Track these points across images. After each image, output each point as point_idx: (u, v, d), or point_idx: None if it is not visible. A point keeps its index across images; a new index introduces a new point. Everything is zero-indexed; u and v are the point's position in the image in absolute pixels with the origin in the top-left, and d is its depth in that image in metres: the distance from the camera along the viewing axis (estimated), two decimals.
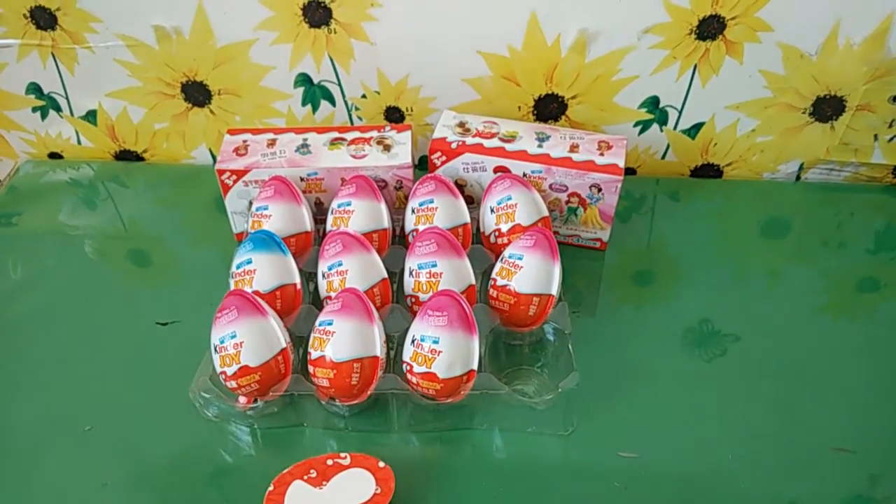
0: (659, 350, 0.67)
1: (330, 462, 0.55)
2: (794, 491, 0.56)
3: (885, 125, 0.79)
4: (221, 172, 0.71)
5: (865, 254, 0.77)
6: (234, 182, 0.71)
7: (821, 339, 0.68)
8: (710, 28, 0.73)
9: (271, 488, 0.53)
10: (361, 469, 0.54)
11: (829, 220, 0.81)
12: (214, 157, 0.89)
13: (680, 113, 0.81)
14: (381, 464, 0.55)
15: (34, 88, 0.85)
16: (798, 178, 0.86)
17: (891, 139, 0.80)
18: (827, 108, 0.79)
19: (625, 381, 0.64)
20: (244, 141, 0.73)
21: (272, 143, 0.73)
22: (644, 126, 0.82)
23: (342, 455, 0.55)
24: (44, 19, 0.78)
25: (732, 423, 0.61)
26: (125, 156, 0.90)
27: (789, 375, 0.64)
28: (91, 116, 0.86)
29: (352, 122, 0.85)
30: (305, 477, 0.54)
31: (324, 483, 0.54)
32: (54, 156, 0.92)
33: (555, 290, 0.62)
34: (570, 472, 0.57)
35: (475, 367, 0.57)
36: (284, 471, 0.54)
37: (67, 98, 0.85)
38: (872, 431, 0.60)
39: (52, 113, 0.87)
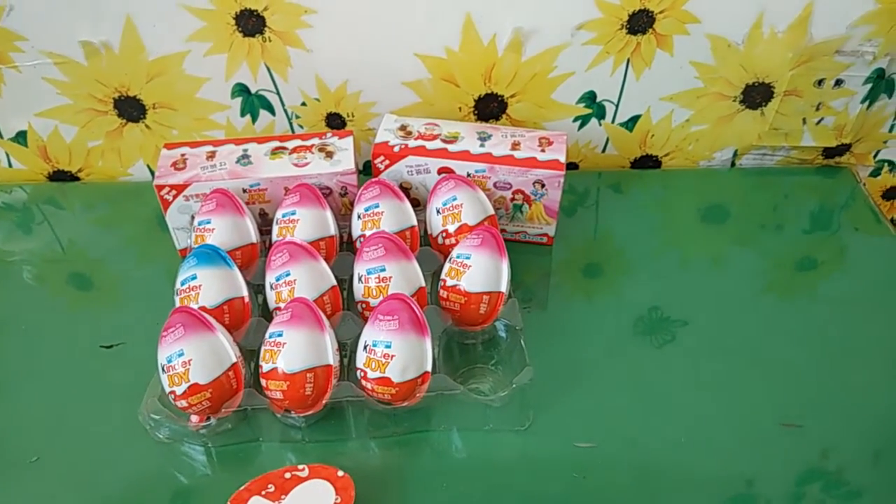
0: (610, 340, 0.68)
1: (288, 475, 0.54)
2: (749, 469, 0.57)
3: (812, 109, 0.82)
4: (160, 188, 0.69)
5: (802, 234, 0.80)
6: (175, 197, 0.70)
7: (765, 319, 0.70)
8: (640, 22, 0.75)
9: None
10: (320, 480, 0.54)
11: (766, 204, 0.84)
12: (153, 173, 0.87)
13: (617, 107, 0.82)
14: (341, 473, 0.54)
15: None
16: (733, 164, 0.89)
17: (818, 122, 0.83)
18: (756, 96, 0.81)
19: (578, 372, 0.64)
20: (182, 154, 0.71)
21: (212, 155, 0.71)
22: (583, 121, 0.84)
23: (300, 467, 0.55)
24: None
25: (685, 406, 0.62)
26: (59, 176, 0.88)
27: (737, 356, 0.66)
28: (21, 137, 0.83)
29: (293, 131, 0.84)
30: (263, 492, 0.53)
31: (282, 497, 0.53)
32: None
33: (504, 287, 0.63)
34: (529, 466, 0.58)
35: (429, 368, 0.57)
36: (241, 487, 0.53)
37: None
38: (819, 405, 0.62)
39: None
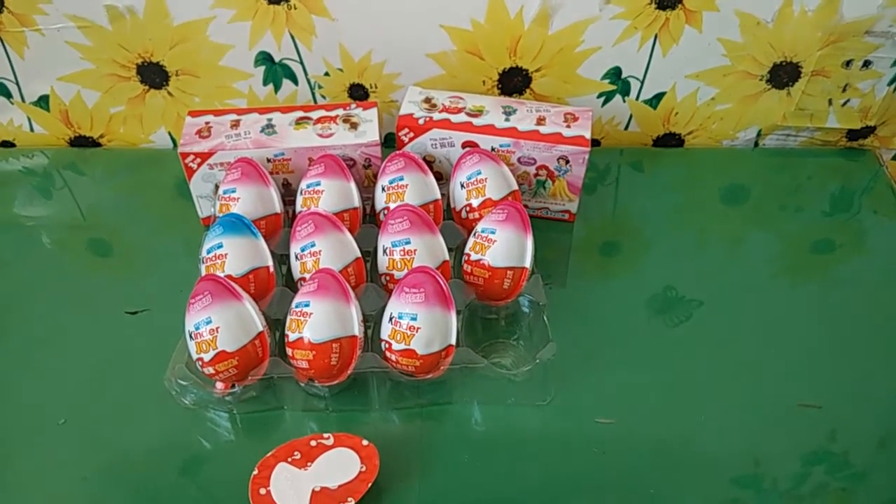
0: (628, 318, 0.68)
1: (313, 443, 0.55)
2: (758, 448, 0.58)
3: (838, 90, 0.81)
4: (185, 156, 0.69)
5: (822, 216, 0.80)
6: (199, 165, 0.70)
7: (781, 301, 0.70)
8: None
9: (255, 472, 0.53)
10: (345, 448, 0.55)
11: (787, 185, 0.84)
12: (174, 141, 0.87)
13: (642, 83, 0.82)
14: (365, 442, 0.55)
15: None
16: (756, 144, 0.88)
17: (844, 103, 0.83)
18: (783, 75, 0.81)
19: (597, 349, 0.65)
20: (206, 123, 0.71)
21: (236, 123, 0.71)
22: (607, 97, 0.83)
23: (325, 435, 0.55)
24: None
25: (702, 385, 0.62)
26: (81, 142, 0.88)
27: (752, 337, 0.66)
28: (43, 102, 0.83)
29: (315, 101, 0.84)
30: (289, 459, 0.54)
31: (308, 464, 0.54)
32: (6, 144, 0.88)
33: (528, 262, 0.63)
34: (549, 441, 0.58)
35: (453, 342, 0.58)
36: (268, 454, 0.54)
37: (18, 84, 0.82)
38: (832, 387, 0.62)
39: (2, 100, 0.83)
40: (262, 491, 0.52)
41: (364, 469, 0.53)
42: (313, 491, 0.52)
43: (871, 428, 0.59)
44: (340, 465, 0.54)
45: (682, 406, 0.61)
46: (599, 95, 0.83)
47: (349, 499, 0.51)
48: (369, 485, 0.52)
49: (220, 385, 0.58)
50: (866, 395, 0.62)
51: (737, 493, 0.55)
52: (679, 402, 0.61)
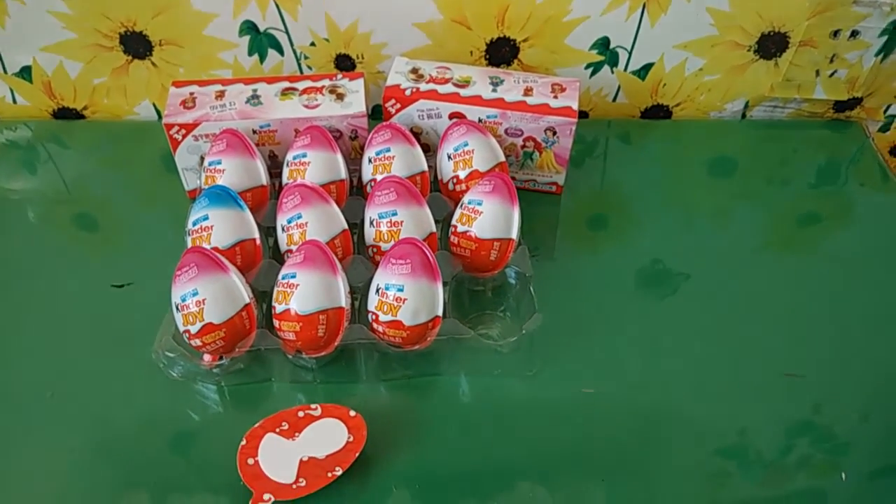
0: (614, 290, 0.68)
1: (301, 414, 0.55)
2: (743, 419, 0.59)
3: (826, 60, 0.81)
4: (170, 127, 0.68)
5: (807, 189, 0.80)
6: (184, 137, 0.69)
7: (767, 273, 0.70)
8: None
9: (244, 442, 0.53)
10: (333, 419, 0.55)
11: (774, 157, 0.84)
12: (159, 113, 0.86)
13: (630, 54, 0.81)
14: (353, 413, 0.55)
15: None
16: (744, 116, 0.88)
17: (831, 74, 0.83)
18: (771, 45, 0.80)
19: (583, 321, 0.65)
20: (191, 93, 0.70)
21: (220, 94, 0.70)
22: (595, 68, 0.83)
23: (313, 406, 0.56)
24: None
25: (687, 356, 0.63)
26: (64, 114, 0.86)
27: (738, 309, 0.67)
28: (25, 73, 0.82)
29: (301, 72, 0.83)
30: (277, 429, 0.54)
31: (296, 434, 0.54)
32: None
33: (515, 234, 0.63)
34: (535, 411, 0.59)
35: (440, 313, 0.58)
36: (256, 425, 0.55)
37: None
38: (816, 359, 0.63)
39: None
40: (251, 461, 0.52)
41: (352, 439, 0.54)
42: (301, 460, 0.52)
43: (856, 399, 0.60)
44: (328, 435, 0.54)
45: (668, 377, 0.61)
46: (587, 66, 0.82)
47: (337, 468, 0.52)
48: (357, 454, 0.53)
49: (207, 357, 0.58)
50: (851, 366, 0.63)
51: (721, 463, 0.56)
52: (664, 373, 0.62)
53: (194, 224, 0.61)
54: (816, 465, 0.56)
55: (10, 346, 0.63)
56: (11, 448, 0.56)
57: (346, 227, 0.63)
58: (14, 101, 0.85)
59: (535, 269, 0.64)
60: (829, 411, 0.60)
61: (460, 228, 0.63)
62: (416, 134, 0.73)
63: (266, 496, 0.50)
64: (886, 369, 0.62)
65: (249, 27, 0.78)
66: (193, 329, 0.55)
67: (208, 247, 0.59)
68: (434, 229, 0.63)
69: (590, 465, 0.56)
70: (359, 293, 0.62)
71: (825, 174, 0.82)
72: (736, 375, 0.62)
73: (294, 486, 0.51)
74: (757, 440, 0.57)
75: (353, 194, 0.70)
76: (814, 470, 0.56)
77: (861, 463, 0.56)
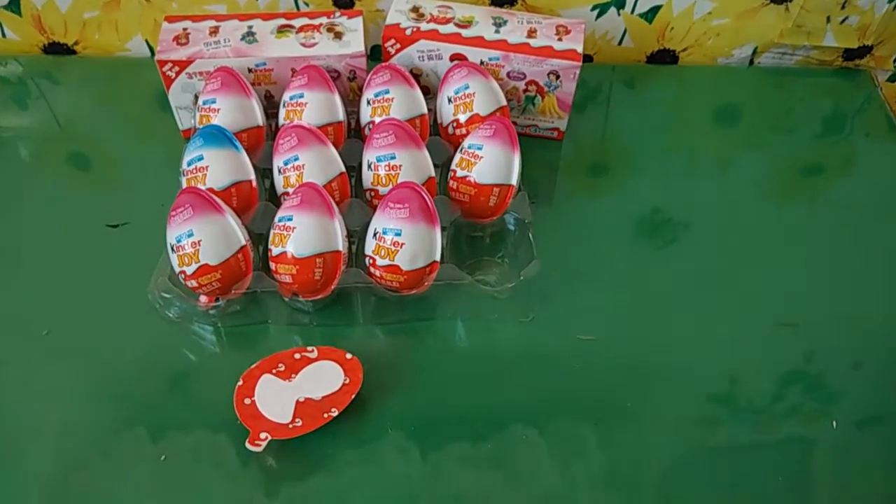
0: (614, 238, 0.68)
1: (297, 356, 0.56)
2: (735, 367, 0.59)
3: (837, 6, 0.79)
4: (162, 63, 0.67)
5: (812, 138, 0.79)
6: (177, 74, 0.67)
7: (767, 223, 0.70)
8: None
9: (240, 383, 0.54)
10: (329, 361, 0.55)
11: (780, 105, 0.82)
12: (152, 50, 0.84)
13: None
14: (349, 355, 0.55)
15: None
16: (751, 62, 0.86)
17: (843, 21, 0.81)
18: None
19: (581, 268, 0.65)
20: (184, 29, 0.68)
21: (215, 30, 0.68)
22: (601, 10, 0.80)
23: (309, 348, 0.56)
24: None
25: (683, 304, 0.63)
26: (55, 49, 0.84)
27: (737, 258, 0.67)
28: (14, 5, 0.79)
29: (298, 8, 0.80)
30: (274, 371, 0.55)
31: (293, 376, 0.54)
32: None
33: (515, 180, 0.62)
34: (531, 357, 0.59)
35: (438, 258, 0.58)
36: (252, 366, 0.55)
37: None
38: (813, 309, 0.63)
39: None
40: (247, 401, 0.53)
41: (348, 381, 0.54)
42: (297, 401, 0.53)
43: (848, 350, 0.60)
44: (324, 377, 0.54)
45: (663, 324, 0.62)
46: (593, 8, 0.80)
47: (333, 409, 0.52)
48: (353, 396, 0.53)
49: (203, 298, 0.58)
50: (846, 316, 0.63)
51: (711, 409, 0.56)
52: (660, 320, 0.62)
53: (189, 164, 0.60)
54: (807, 412, 0.57)
55: (5, 284, 0.62)
56: (9, 385, 0.56)
57: (343, 169, 0.62)
58: (4, 36, 0.83)
59: (534, 216, 0.63)
60: (822, 360, 0.60)
61: (459, 173, 0.62)
62: (416, 75, 0.71)
63: (263, 435, 0.51)
64: (881, 319, 0.63)
65: None
66: (189, 270, 0.55)
67: (203, 188, 0.58)
68: (433, 174, 0.62)
69: (582, 410, 0.56)
70: (356, 237, 0.61)
71: (831, 123, 0.80)
72: (731, 324, 0.62)
73: (290, 426, 0.51)
74: (748, 388, 0.58)
75: (350, 136, 0.69)
76: (804, 418, 0.56)
77: (851, 411, 0.57)
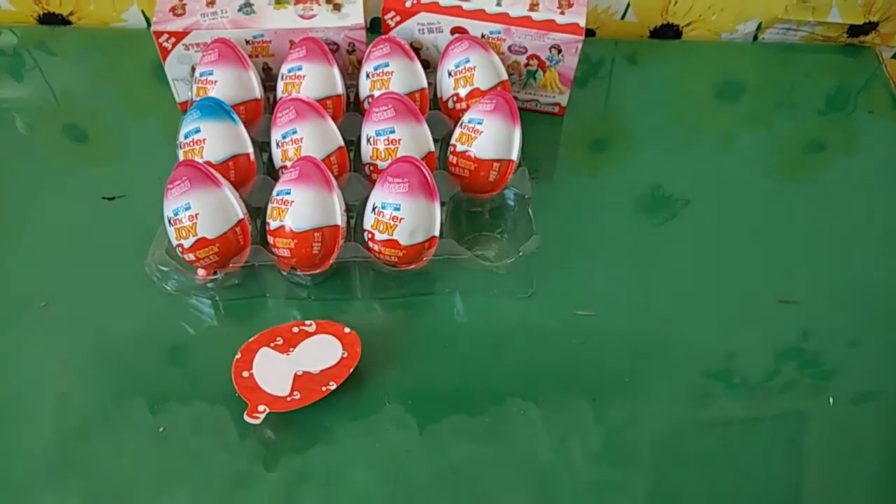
0: (613, 215, 0.68)
1: (296, 329, 0.56)
2: (733, 344, 0.59)
3: None
4: (159, 34, 0.66)
5: (815, 115, 0.78)
6: (174, 45, 0.66)
7: (767, 200, 0.70)
8: None
9: (238, 356, 0.54)
10: (327, 335, 0.55)
11: (783, 82, 0.81)
12: (148, 20, 0.83)
13: None
14: (347, 330, 0.55)
15: None
16: (755, 38, 0.85)
17: None
18: None
19: (581, 244, 0.65)
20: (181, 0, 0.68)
21: (212, 1, 0.67)
22: None
23: (307, 322, 0.56)
24: None
25: (682, 281, 0.63)
26: (50, 19, 0.83)
27: (736, 235, 0.66)
28: None
29: None
30: (272, 344, 0.55)
31: (290, 349, 0.54)
32: None
33: (515, 155, 0.61)
34: (530, 332, 0.59)
35: (437, 233, 0.57)
36: (250, 339, 0.55)
37: None
38: (812, 286, 0.63)
39: None
40: (245, 374, 0.53)
41: (346, 355, 0.54)
42: (295, 374, 0.53)
43: (845, 327, 0.61)
44: (323, 351, 0.54)
45: (661, 300, 0.62)
46: None
47: (331, 382, 0.52)
48: (351, 370, 0.53)
49: (201, 272, 0.58)
50: (844, 294, 0.63)
51: (709, 385, 0.57)
52: (658, 296, 0.62)
53: (186, 137, 0.60)
54: (804, 389, 0.57)
55: (1, 257, 0.62)
56: (6, 356, 0.56)
57: (342, 143, 0.61)
58: None
59: (534, 191, 0.63)
60: (820, 337, 0.60)
61: (459, 148, 0.62)
62: (416, 49, 0.70)
63: (261, 407, 0.51)
64: (880, 297, 0.63)
65: None
66: (187, 243, 0.55)
67: (201, 160, 0.58)
68: (432, 148, 0.62)
69: (580, 385, 0.56)
70: (354, 211, 0.61)
71: (834, 100, 0.80)
72: (730, 301, 0.62)
73: (288, 399, 0.52)
74: (746, 364, 0.58)
75: (349, 110, 0.68)
76: (801, 394, 0.57)
77: (848, 388, 0.57)
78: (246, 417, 0.51)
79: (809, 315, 0.61)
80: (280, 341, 0.55)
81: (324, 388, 0.52)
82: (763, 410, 0.56)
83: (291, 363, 0.54)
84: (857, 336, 0.60)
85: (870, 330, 0.60)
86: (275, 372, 0.53)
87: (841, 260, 0.65)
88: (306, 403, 0.52)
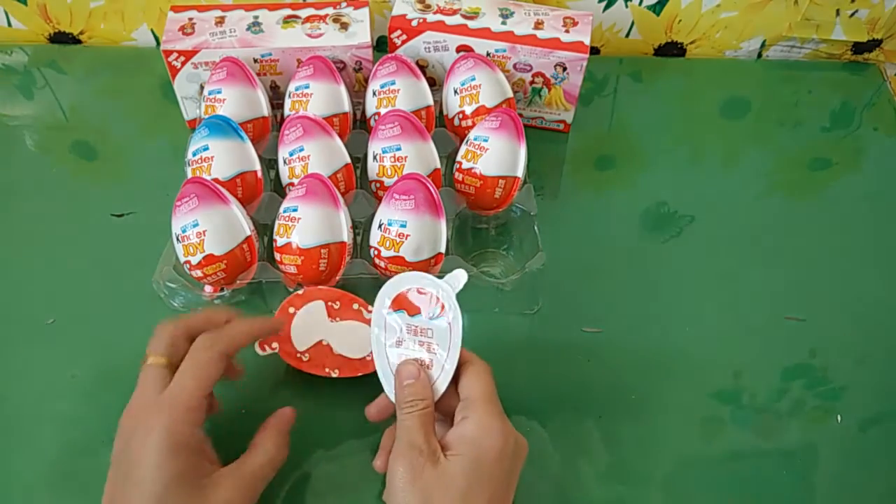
0: (619, 231, 0.68)
1: (355, 306, 0.55)
2: (739, 361, 0.59)
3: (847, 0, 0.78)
4: (168, 53, 0.66)
5: (820, 132, 0.78)
6: (183, 64, 0.67)
7: (773, 217, 0.70)
8: None
9: (300, 291, 0.54)
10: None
11: (788, 99, 0.82)
12: (157, 39, 0.84)
13: None
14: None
15: None
16: (759, 55, 0.86)
17: (852, 14, 0.80)
18: None
19: (586, 260, 0.65)
20: (190, 19, 0.68)
21: (220, 20, 0.68)
22: (609, 2, 0.80)
23: (369, 309, 0.55)
24: None
25: (688, 298, 0.63)
26: (60, 38, 0.84)
27: (742, 252, 0.67)
28: None
29: None
30: (330, 302, 0.54)
31: (337, 318, 0.54)
32: None
33: (521, 172, 0.62)
34: (536, 349, 0.59)
35: (443, 250, 0.58)
36: (323, 286, 0.55)
37: None
38: (818, 303, 0.63)
39: None
40: (291, 310, 0.54)
41: (369, 358, 0.53)
42: (320, 341, 0.53)
43: (853, 344, 0.60)
44: (356, 341, 0.54)
45: (668, 318, 0.61)
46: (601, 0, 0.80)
47: (336, 369, 0.53)
48: (359, 374, 0.53)
49: (208, 288, 0.58)
50: (851, 311, 0.62)
51: (716, 403, 0.57)
52: (665, 313, 0.62)
53: (194, 154, 0.60)
54: (811, 408, 0.57)
55: (10, 273, 0.63)
56: (13, 372, 0.57)
57: (348, 160, 0.62)
58: (9, 25, 0.83)
59: (539, 208, 0.63)
60: (826, 355, 0.60)
61: (465, 165, 0.62)
62: (422, 67, 0.71)
63: (274, 345, 0.52)
64: (886, 315, 0.62)
65: None
66: (194, 260, 0.55)
67: (209, 178, 0.58)
68: (438, 165, 0.62)
69: (587, 402, 0.56)
70: (361, 228, 0.61)
71: (839, 117, 0.80)
72: (736, 319, 0.62)
73: (298, 355, 0.52)
74: (753, 382, 0.58)
75: (356, 128, 0.69)
76: (808, 413, 0.56)
77: (856, 407, 0.57)
78: (256, 347, 0.52)
79: (816, 333, 0.61)
80: (337, 305, 0.54)
81: (327, 370, 0.52)
82: (772, 430, 0.55)
83: (325, 330, 0.54)
84: (865, 353, 0.60)
85: (877, 346, 0.60)
86: (308, 326, 0.53)
87: (846, 276, 0.65)
88: (308, 371, 0.52)
